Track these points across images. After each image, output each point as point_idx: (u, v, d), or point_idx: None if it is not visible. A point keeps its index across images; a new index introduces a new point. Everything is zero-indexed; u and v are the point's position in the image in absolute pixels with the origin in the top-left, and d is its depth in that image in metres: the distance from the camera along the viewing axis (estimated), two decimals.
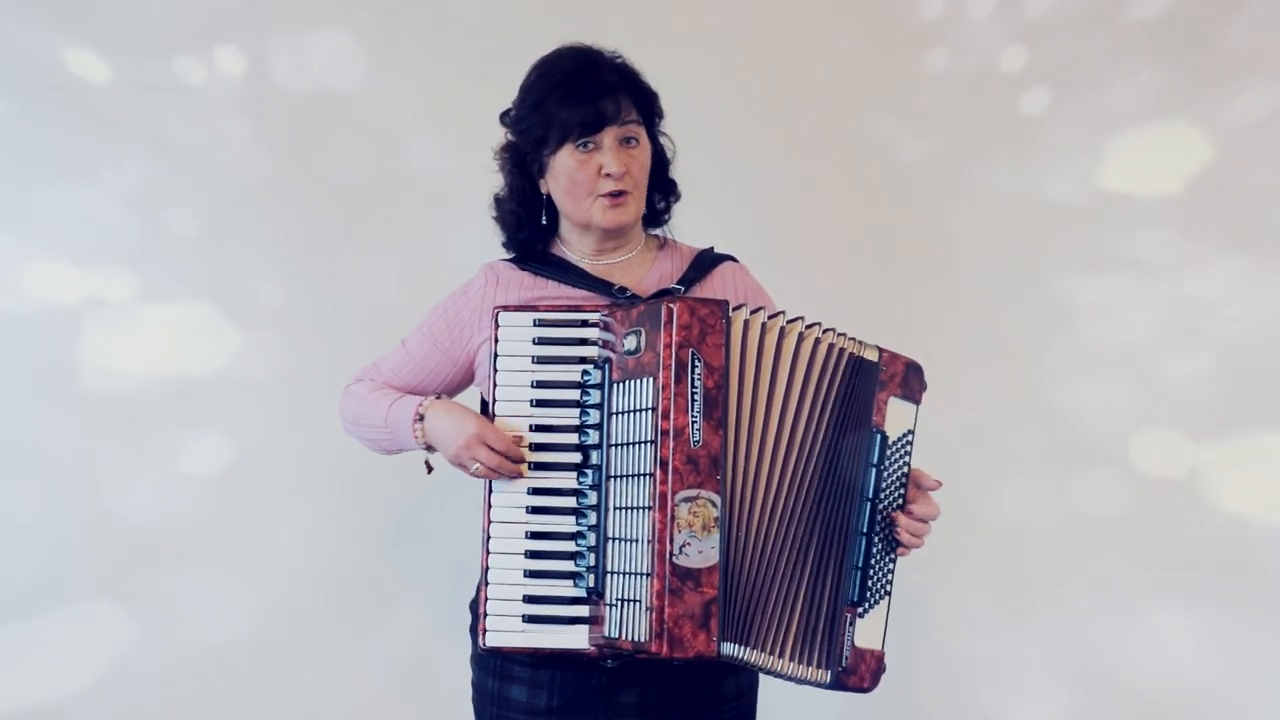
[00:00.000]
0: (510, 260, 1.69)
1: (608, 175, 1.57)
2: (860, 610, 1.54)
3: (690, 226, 1.76)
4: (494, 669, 1.63)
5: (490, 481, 1.54)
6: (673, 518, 1.41)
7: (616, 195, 1.58)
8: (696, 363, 1.43)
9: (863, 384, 1.55)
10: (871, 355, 1.56)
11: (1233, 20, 2.34)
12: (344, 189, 2.37)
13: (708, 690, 1.62)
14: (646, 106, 1.63)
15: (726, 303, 1.46)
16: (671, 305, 1.44)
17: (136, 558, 2.33)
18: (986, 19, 2.40)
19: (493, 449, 1.50)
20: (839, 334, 1.54)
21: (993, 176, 2.42)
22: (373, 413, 1.66)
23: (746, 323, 1.48)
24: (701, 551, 1.41)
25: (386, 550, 2.40)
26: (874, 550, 1.55)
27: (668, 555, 1.40)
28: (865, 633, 1.54)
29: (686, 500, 1.41)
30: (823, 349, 1.52)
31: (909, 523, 1.55)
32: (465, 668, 1.70)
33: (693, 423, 1.43)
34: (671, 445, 1.42)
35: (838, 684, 1.52)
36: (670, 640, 1.39)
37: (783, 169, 2.43)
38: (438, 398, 1.62)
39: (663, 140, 1.69)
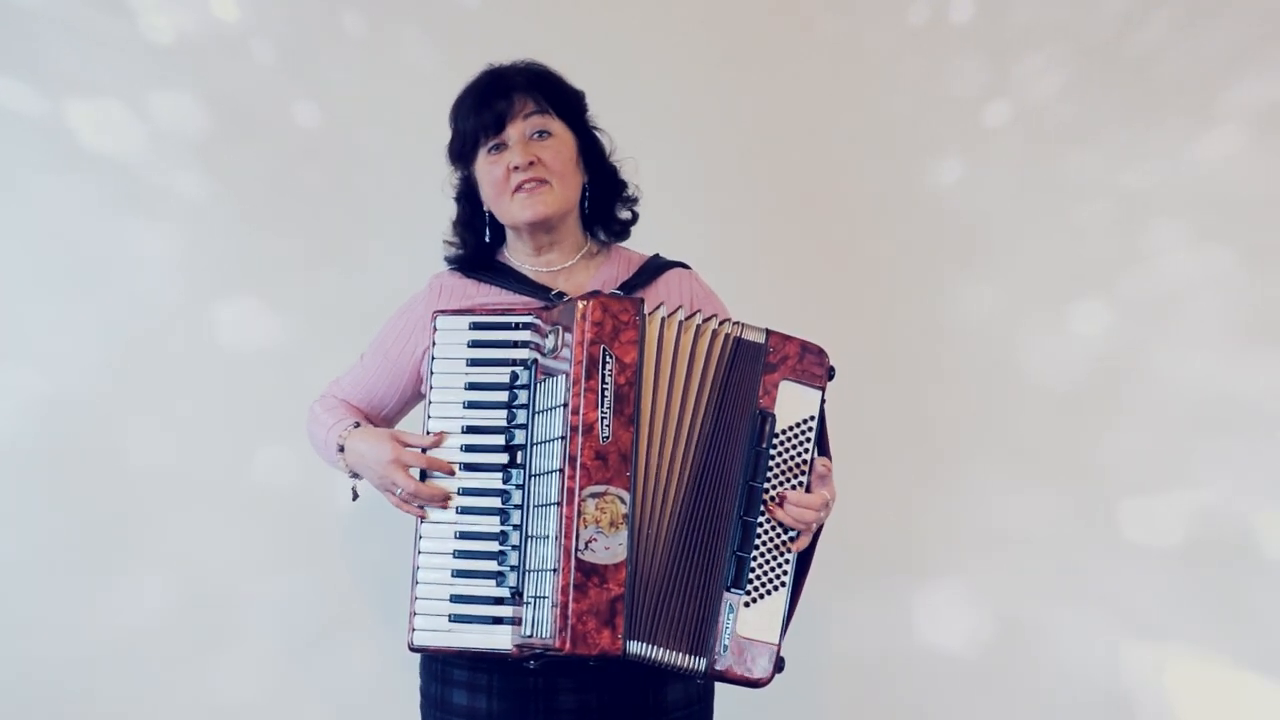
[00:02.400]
0: (458, 269, 1.73)
1: (515, 168, 1.60)
2: (746, 600, 1.47)
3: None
4: (436, 673, 1.63)
5: (423, 480, 1.55)
6: (579, 513, 1.40)
7: (531, 186, 1.60)
8: (608, 359, 1.43)
9: (745, 364, 1.50)
10: (755, 336, 1.51)
11: (1180, 49, 2.37)
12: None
13: (649, 698, 1.59)
14: (559, 100, 1.65)
15: (642, 300, 1.46)
16: (584, 302, 1.44)
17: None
18: (959, 32, 2.43)
19: (411, 475, 1.53)
20: (736, 323, 1.51)
21: (944, 184, 2.44)
22: (318, 433, 1.71)
23: (663, 321, 1.48)
24: (609, 548, 1.40)
25: (324, 554, 2.39)
26: (758, 536, 1.48)
27: (573, 551, 1.39)
28: (753, 623, 1.47)
29: (594, 496, 1.40)
30: (705, 336, 1.49)
31: (788, 508, 1.49)
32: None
33: (602, 419, 1.42)
34: (580, 441, 1.41)
35: (712, 672, 1.45)
36: (573, 637, 1.38)
37: (740, 175, 2.46)
38: (356, 425, 1.64)
39: (600, 137, 1.71)
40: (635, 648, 1.41)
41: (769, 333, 1.52)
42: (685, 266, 1.74)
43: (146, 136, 2.32)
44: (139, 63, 2.32)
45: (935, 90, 2.43)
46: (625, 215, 1.74)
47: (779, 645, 1.49)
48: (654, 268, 1.70)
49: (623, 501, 1.41)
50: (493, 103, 1.62)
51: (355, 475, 1.63)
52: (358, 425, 1.64)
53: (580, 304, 1.44)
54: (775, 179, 2.45)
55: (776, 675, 1.49)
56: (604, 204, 1.72)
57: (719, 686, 1.63)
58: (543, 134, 1.63)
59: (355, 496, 1.66)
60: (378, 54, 2.40)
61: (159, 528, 2.30)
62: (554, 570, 1.41)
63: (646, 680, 1.56)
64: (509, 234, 1.71)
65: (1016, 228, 2.41)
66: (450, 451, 1.55)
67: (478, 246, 1.73)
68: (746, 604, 1.48)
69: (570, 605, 1.38)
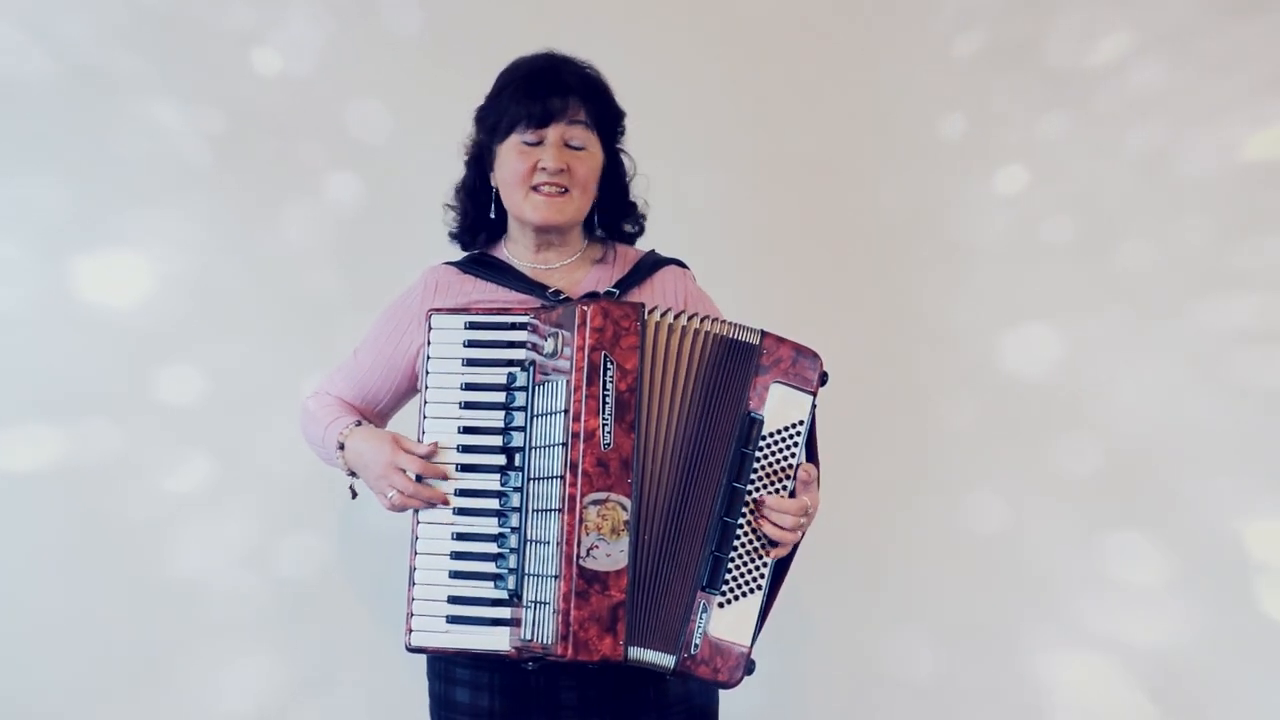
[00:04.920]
0: (452, 264, 1.71)
1: (543, 169, 1.59)
2: (721, 600, 1.47)
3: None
4: (440, 673, 1.64)
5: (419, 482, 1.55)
6: (581, 520, 1.40)
7: (552, 191, 1.60)
8: (609, 365, 1.43)
9: (735, 365, 1.50)
10: (749, 337, 1.51)
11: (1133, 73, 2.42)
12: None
13: (650, 692, 1.60)
14: (604, 118, 1.65)
15: (642, 305, 1.45)
16: (586, 307, 1.44)
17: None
18: (928, 45, 2.47)
19: (409, 478, 1.52)
20: (730, 324, 1.50)
21: (898, 188, 2.47)
22: (315, 431, 1.70)
23: (657, 325, 1.47)
24: (610, 555, 1.41)
25: (316, 553, 2.39)
26: (737, 538, 1.48)
27: (574, 558, 1.40)
28: (726, 624, 1.47)
29: (595, 503, 1.41)
30: (696, 336, 1.49)
31: (769, 514, 1.48)
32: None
33: (604, 425, 1.42)
34: (582, 447, 1.42)
35: (681, 669, 1.45)
36: (575, 643, 1.39)
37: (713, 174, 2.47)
38: (359, 424, 1.63)
39: (624, 159, 1.71)
40: (638, 653, 1.42)
41: (764, 334, 1.52)
42: (681, 264, 1.73)
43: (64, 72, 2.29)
44: None
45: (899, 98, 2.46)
46: (631, 230, 1.75)
47: (750, 648, 1.49)
48: (649, 265, 1.70)
49: (624, 508, 1.41)
50: (546, 98, 1.59)
51: (353, 474, 1.63)
52: (359, 424, 1.63)
53: (580, 309, 1.44)
54: (772, 179, 2.47)
55: (745, 677, 1.50)
56: (612, 219, 1.72)
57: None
58: (579, 145, 1.61)
59: (354, 495, 1.66)
60: (354, 18, 2.37)
61: None
62: (555, 576, 1.41)
63: (647, 675, 1.57)
64: (511, 226, 1.70)
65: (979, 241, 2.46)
66: (447, 453, 1.54)
67: (477, 218, 1.72)
68: (720, 605, 1.48)
69: (572, 612, 1.39)
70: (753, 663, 1.48)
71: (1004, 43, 2.43)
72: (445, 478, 1.53)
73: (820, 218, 2.46)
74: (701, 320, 1.50)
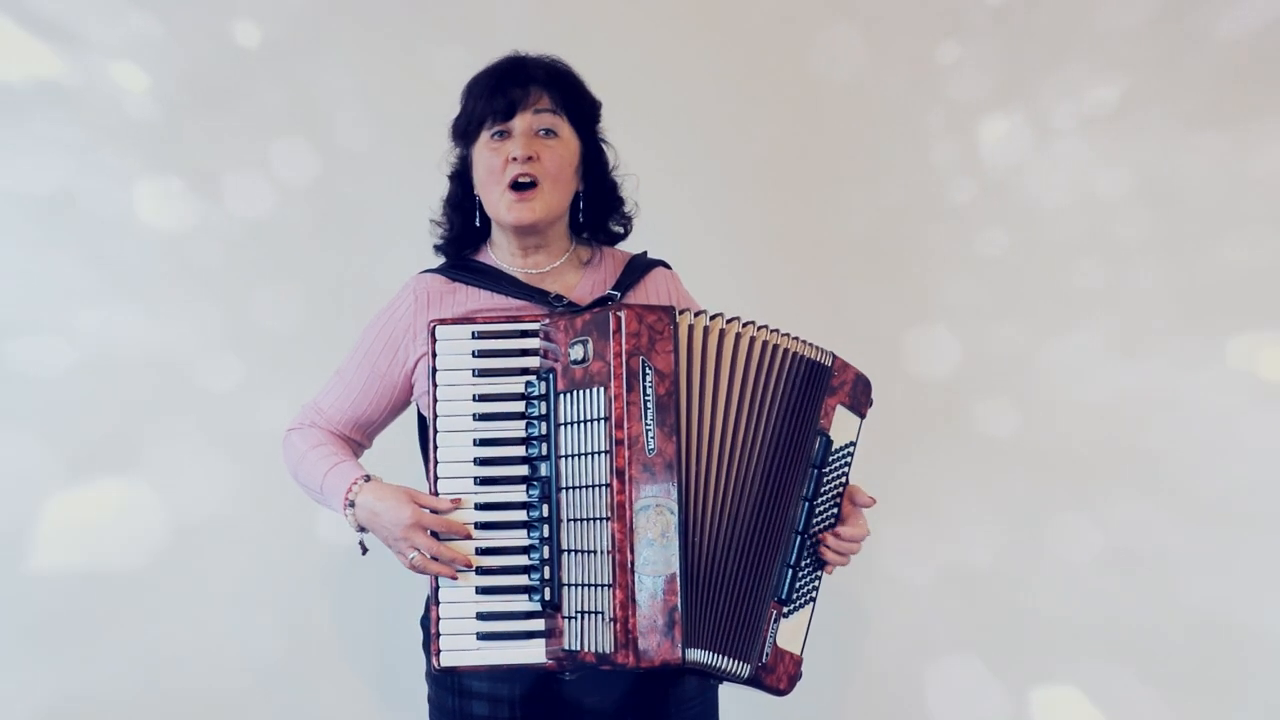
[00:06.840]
0: (437, 272, 1.66)
1: (513, 159, 1.56)
2: (786, 610, 1.52)
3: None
4: (452, 686, 1.60)
5: (436, 494, 1.50)
6: (632, 528, 1.40)
7: (523, 188, 1.57)
8: (647, 370, 1.43)
9: (813, 386, 1.54)
10: (823, 358, 1.55)
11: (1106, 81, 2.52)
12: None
13: (667, 689, 1.62)
14: (575, 104, 1.62)
15: (673, 309, 1.46)
16: (619, 314, 1.43)
17: None
18: (908, 49, 2.54)
19: (432, 538, 1.47)
20: (783, 334, 1.54)
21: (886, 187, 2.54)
22: (310, 476, 1.61)
23: (691, 327, 1.48)
24: (662, 559, 1.41)
25: (328, 566, 2.34)
26: (805, 552, 1.54)
27: (629, 565, 1.40)
28: (787, 634, 1.53)
29: (644, 509, 1.41)
30: (771, 350, 1.51)
31: (836, 542, 1.54)
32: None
33: (647, 431, 1.42)
34: (627, 454, 1.41)
35: (755, 680, 1.49)
36: (636, 650, 1.39)
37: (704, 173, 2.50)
38: (368, 479, 1.56)
39: (605, 150, 1.69)
40: (694, 654, 1.43)
41: (834, 356, 1.57)
42: (667, 266, 1.75)
43: None
44: None
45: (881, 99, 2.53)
46: (618, 229, 1.73)
47: (801, 658, 1.55)
48: (639, 267, 1.70)
49: (672, 512, 1.42)
50: (508, 89, 1.57)
51: (361, 529, 1.56)
52: (369, 479, 1.56)
53: (614, 315, 1.43)
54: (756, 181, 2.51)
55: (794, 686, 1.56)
56: (598, 215, 1.70)
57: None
58: (549, 133, 1.58)
59: (364, 551, 1.60)
60: None
61: None
62: (609, 585, 1.41)
63: (665, 676, 1.59)
64: (494, 231, 1.67)
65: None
66: (465, 466, 1.50)
67: (464, 229, 1.67)
68: (785, 614, 1.53)
69: (630, 619, 1.39)
70: (801, 671, 1.54)
71: (986, 51, 2.52)
72: (468, 537, 1.48)
73: (788, 220, 2.52)
74: (756, 328, 1.52)
